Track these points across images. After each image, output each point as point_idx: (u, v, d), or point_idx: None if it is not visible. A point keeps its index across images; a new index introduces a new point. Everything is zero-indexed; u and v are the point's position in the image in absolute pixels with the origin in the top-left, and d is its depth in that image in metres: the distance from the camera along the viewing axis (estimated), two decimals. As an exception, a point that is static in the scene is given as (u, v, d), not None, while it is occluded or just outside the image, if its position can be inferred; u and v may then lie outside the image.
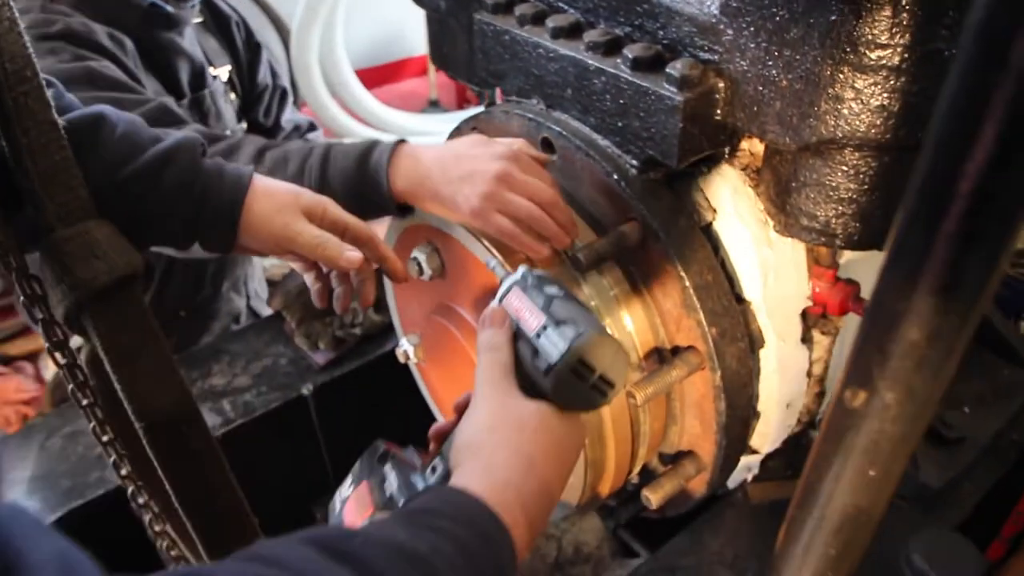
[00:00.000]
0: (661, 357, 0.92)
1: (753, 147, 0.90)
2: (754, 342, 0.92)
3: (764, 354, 0.94)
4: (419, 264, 1.00)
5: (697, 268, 0.87)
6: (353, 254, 0.81)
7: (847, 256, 0.96)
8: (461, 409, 0.67)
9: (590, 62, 0.87)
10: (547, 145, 0.96)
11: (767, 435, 1.01)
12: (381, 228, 1.34)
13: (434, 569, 0.43)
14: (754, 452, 1.04)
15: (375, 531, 0.46)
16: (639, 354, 0.93)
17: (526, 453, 0.57)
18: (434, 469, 0.64)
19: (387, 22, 4.35)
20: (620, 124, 0.87)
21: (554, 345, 0.61)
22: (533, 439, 0.58)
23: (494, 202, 0.84)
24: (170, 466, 0.69)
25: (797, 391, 1.01)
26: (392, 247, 1.11)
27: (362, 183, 0.91)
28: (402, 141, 0.93)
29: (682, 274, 0.85)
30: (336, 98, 3.60)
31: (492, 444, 0.57)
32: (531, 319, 0.64)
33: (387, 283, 1.19)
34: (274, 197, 0.80)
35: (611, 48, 0.87)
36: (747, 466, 1.09)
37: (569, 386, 0.60)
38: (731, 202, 0.90)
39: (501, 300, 0.69)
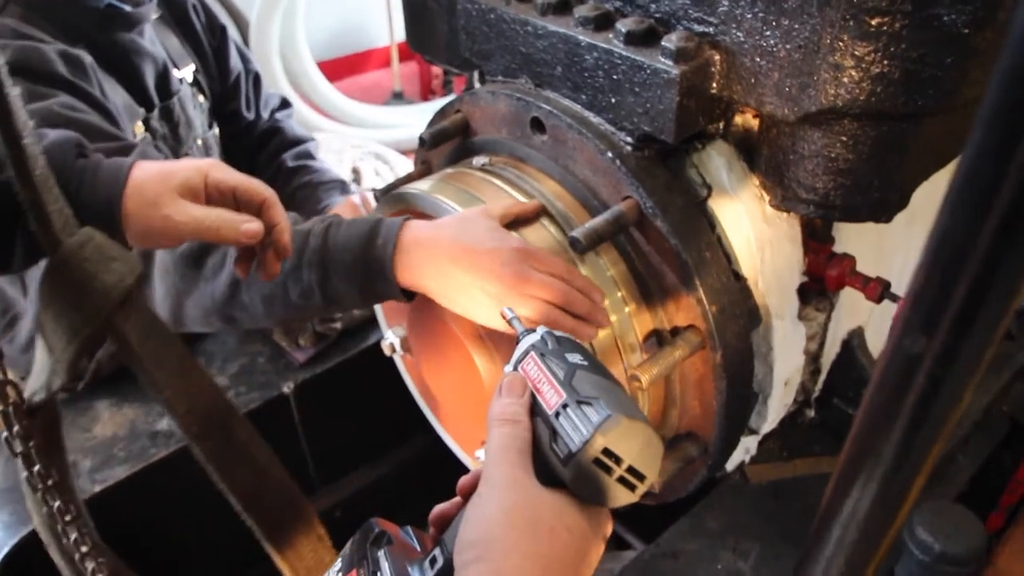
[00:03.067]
0: (660, 338, 0.92)
1: (747, 122, 0.91)
2: (752, 319, 0.93)
3: (762, 331, 0.95)
4: (406, 250, 0.98)
5: (695, 245, 0.87)
6: (251, 226, 0.77)
7: (840, 232, 0.98)
8: (466, 491, 0.61)
9: (581, 38, 0.87)
10: (537, 125, 0.95)
11: (766, 414, 1.03)
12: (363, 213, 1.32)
13: None
14: (753, 432, 1.05)
15: None
16: (638, 336, 0.93)
17: (542, 557, 0.50)
18: (433, 561, 0.57)
19: (349, 13, 4.31)
20: (613, 101, 0.87)
21: (575, 429, 0.53)
22: (550, 540, 0.51)
23: (520, 294, 0.82)
24: (222, 461, 0.67)
25: (795, 369, 1.02)
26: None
27: (367, 276, 0.89)
28: (407, 219, 0.91)
29: (680, 252, 0.86)
30: (297, 91, 3.56)
31: (504, 546, 0.50)
32: (550, 393, 0.56)
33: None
34: (144, 190, 0.75)
35: (602, 23, 0.87)
36: (745, 447, 1.10)
37: (591, 478, 0.53)
38: (726, 178, 0.90)
39: (517, 365, 0.62)
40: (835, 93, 0.73)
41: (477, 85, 1.26)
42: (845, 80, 0.72)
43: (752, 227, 0.90)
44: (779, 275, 0.93)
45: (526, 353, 0.62)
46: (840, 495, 0.38)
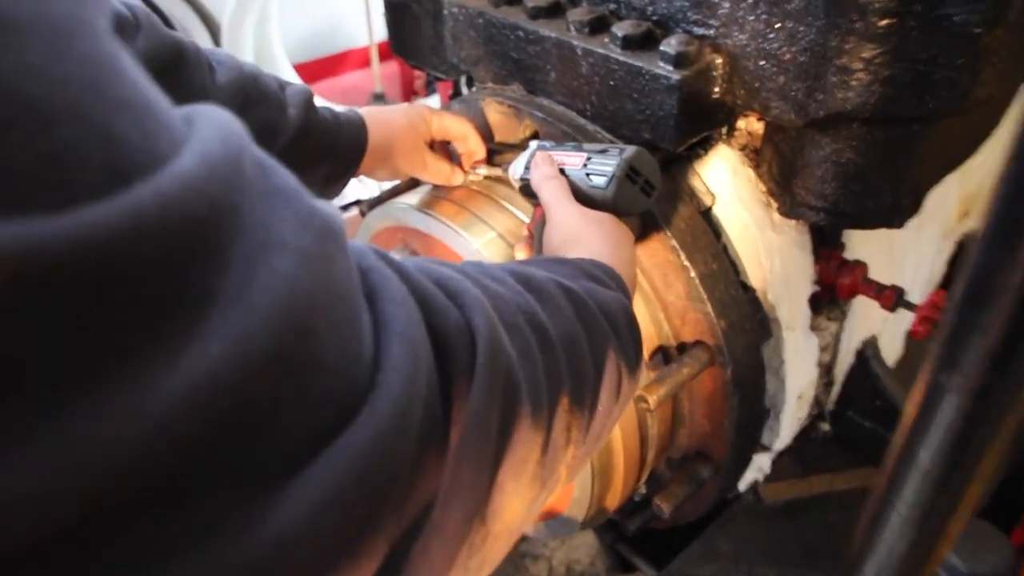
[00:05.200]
0: (666, 355, 0.92)
1: (750, 126, 0.91)
2: (763, 332, 0.93)
3: (773, 344, 0.95)
4: (398, 269, 0.98)
5: (701, 256, 0.87)
6: (456, 181, 0.97)
7: (850, 238, 0.99)
8: (531, 229, 0.84)
9: (575, 43, 0.87)
10: (530, 133, 0.96)
11: (778, 431, 1.03)
12: (350, 229, 1.35)
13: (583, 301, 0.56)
14: (765, 449, 1.05)
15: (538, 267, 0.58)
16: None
17: (612, 240, 0.71)
18: None
19: (325, 12, 4.30)
20: (611, 107, 0.87)
21: (606, 164, 0.77)
22: (612, 231, 0.72)
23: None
24: None
25: (808, 382, 1.02)
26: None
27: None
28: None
29: (686, 263, 0.86)
30: (273, 96, 3.53)
31: (587, 236, 0.70)
32: (573, 159, 0.80)
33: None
34: (400, 144, 0.93)
35: (597, 27, 0.87)
36: (758, 466, 1.10)
37: (625, 190, 0.77)
38: (731, 185, 0.91)
39: (528, 162, 0.84)
40: (844, 97, 0.73)
41: (465, 91, 1.26)
42: (854, 83, 0.72)
43: (760, 235, 0.91)
44: (789, 285, 0.93)
45: (534, 152, 0.85)
46: (874, 536, 0.38)
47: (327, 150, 0.88)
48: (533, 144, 0.88)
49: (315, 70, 4.21)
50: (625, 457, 0.92)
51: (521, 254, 0.85)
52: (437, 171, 0.96)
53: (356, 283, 0.34)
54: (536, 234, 0.80)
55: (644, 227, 0.88)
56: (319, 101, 0.91)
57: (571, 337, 0.52)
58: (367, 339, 0.33)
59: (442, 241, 0.93)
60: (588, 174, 0.79)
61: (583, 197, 0.78)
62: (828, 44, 0.71)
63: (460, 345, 0.39)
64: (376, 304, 0.36)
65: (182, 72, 0.75)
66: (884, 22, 0.68)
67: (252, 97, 0.81)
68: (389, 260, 0.41)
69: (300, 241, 0.29)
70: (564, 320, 0.53)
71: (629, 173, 0.77)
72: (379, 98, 4.14)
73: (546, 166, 0.81)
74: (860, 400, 1.13)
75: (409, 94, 4.20)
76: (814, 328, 1.01)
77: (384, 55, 4.18)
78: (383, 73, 4.22)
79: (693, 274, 0.86)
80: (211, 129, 0.27)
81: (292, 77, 3.63)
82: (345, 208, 1.34)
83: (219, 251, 0.26)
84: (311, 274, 0.29)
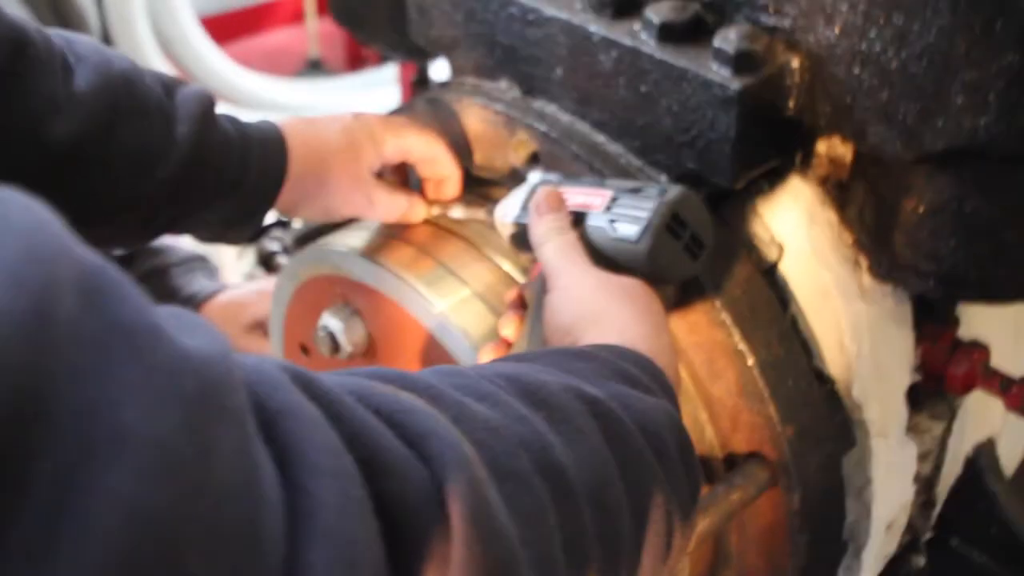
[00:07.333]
0: (709, 472, 0.90)
1: (834, 149, 0.90)
2: (843, 441, 0.92)
3: (855, 457, 0.93)
4: (332, 336, 0.96)
5: (762, 335, 0.86)
6: (419, 212, 0.95)
7: (966, 310, 0.98)
8: (518, 302, 0.82)
9: (593, 29, 0.87)
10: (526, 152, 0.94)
11: (858, 570, 1.01)
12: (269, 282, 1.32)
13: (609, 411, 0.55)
14: None
15: (549, 376, 0.56)
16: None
17: (645, 314, 0.70)
18: None
19: (244, -51, 4.29)
20: (640, 123, 0.87)
21: (639, 208, 0.77)
22: (644, 302, 0.72)
23: None
24: None
25: (901, 505, 1.01)
26: (283, 311, 1.06)
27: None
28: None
29: (740, 346, 0.85)
30: (171, 59, 3.51)
31: (613, 308, 0.70)
32: (590, 198, 0.80)
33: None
34: (334, 187, 0.91)
35: (625, 7, 0.87)
36: (827, 615, 1.07)
37: (665, 246, 0.76)
38: (805, 233, 0.90)
39: (526, 203, 0.84)
40: (973, 125, 0.72)
41: (433, 78, 1.25)
42: (990, 107, 0.71)
43: (844, 305, 0.89)
44: (882, 375, 0.92)
45: (535, 187, 0.85)
46: None
47: (230, 182, 0.84)
48: (534, 176, 0.88)
49: (229, 25, 4.20)
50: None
51: (509, 329, 0.82)
52: (388, 208, 0.94)
53: (251, 464, 0.32)
54: (533, 303, 0.78)
55: (683, 292, 0.87)
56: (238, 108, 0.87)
57: (601, 480, 0.50)
58: (275, 545, 0.32)
59: (395, 300, 0.91)
60: (612, 221, 0.78)
61: (602, 254, 0.77)
62: (954, 51, 0.70)
63: (427, 524, 0.38)
64: (292, 475, 0.34)
65: (23, 74, 0.70)
66: (1039, 26, 0.67)
67: (124, 110, 0.77)
68: (312, 387, 0.39)
69: (155, 427, 0.27)
70: (590, 453, 0.50)
71: (671, 223, 0.76)
72: (315, 66, 4.15)
73: (553, 211, 0.79)
74: (968, 525, 1.13)
75: (355, 60, 4.20)
76: (912, 430, 0.99)
77: (323, 6, 4.18)
78: (321, 31, 4.21)
79: (750, 361, 0.85)
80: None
81: (197, 35, 3.60)
82: (269, 260, 1.23)
83: (11, 474, 0.24)
84: (171, 486, 0.27)
